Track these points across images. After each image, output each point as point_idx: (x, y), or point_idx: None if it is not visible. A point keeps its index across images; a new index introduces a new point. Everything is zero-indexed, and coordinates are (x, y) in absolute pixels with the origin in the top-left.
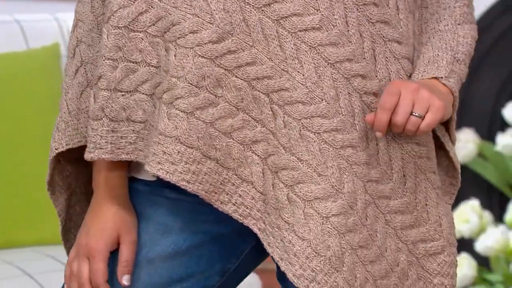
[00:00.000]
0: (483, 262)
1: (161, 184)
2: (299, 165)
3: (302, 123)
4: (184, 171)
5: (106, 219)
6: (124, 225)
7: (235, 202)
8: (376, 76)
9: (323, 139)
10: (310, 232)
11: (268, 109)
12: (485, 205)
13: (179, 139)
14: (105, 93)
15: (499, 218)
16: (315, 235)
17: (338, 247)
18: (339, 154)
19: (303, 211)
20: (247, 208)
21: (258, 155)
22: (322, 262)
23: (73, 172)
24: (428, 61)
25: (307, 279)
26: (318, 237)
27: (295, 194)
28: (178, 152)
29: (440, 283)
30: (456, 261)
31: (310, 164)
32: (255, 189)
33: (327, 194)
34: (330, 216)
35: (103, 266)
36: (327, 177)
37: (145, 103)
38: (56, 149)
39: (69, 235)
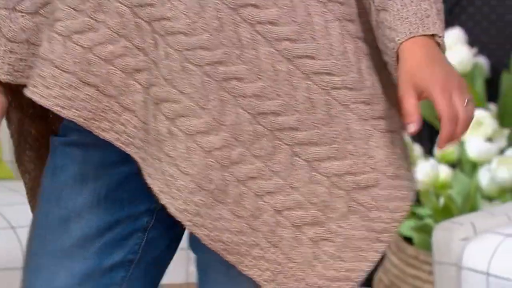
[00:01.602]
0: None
1: (71, 127)
2: (181, 98)
3: (184, 55)
4: (58, 95)
5: None
6: None
7: (117, 130)
8: (275, 4)
9: (205, 71)
10: (194, 166)
11: (150, 38)
12: (415, 138)
13: (54, 62)
14: (2, 12)
15: (429, 151)
16: (198, 170)
17: (221, 180)
18: (222, 87)
19: (185, 145)
20: (129, 136)
21: (141, 84)
22: (205, 196)
23: None
24: (417, 15)
25: (190, 213)
26: (202, 171)
27: (176, 128)
28: (53, 76)
29: (377, 216)
30: (399, 195)
31: (192, 97)
32: (137, 118)
33: (209, 128)
34: (213, 150)
35: None
36: (209, 111)
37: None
38: None
39: None
